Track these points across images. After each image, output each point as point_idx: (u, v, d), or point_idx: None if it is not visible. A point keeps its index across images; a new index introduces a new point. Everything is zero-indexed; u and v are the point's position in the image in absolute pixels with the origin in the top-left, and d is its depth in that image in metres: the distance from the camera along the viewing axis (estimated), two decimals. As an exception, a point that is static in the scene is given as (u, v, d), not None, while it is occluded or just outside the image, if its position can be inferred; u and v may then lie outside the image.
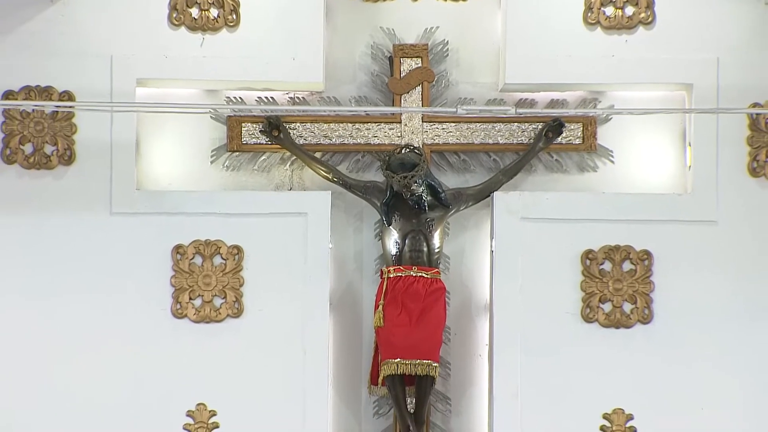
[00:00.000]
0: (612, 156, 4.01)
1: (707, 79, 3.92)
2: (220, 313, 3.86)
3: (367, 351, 3.96)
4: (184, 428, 3.82)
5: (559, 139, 3.97)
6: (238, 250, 3.88)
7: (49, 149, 3.87)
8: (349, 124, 3.99)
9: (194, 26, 3.90)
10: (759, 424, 3.83)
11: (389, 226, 3.82)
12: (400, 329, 3.75)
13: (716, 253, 3.89)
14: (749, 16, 3.92)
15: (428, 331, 3.78)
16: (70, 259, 3.86)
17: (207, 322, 3.86)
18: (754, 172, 3.90)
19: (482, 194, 3.94)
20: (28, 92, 3.88)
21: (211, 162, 4.02)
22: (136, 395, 3.83)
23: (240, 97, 4.01)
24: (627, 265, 3.89)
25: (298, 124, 3.97)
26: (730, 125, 3.90)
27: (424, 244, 3.81)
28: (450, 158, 4.03)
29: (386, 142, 3.98)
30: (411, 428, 3.77)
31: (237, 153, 4.00)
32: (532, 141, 3.98)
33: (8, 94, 3.86)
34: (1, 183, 3.87)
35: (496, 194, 3.90)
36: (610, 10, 3.92)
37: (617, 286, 3.87)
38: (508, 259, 3.90)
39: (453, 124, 3.98)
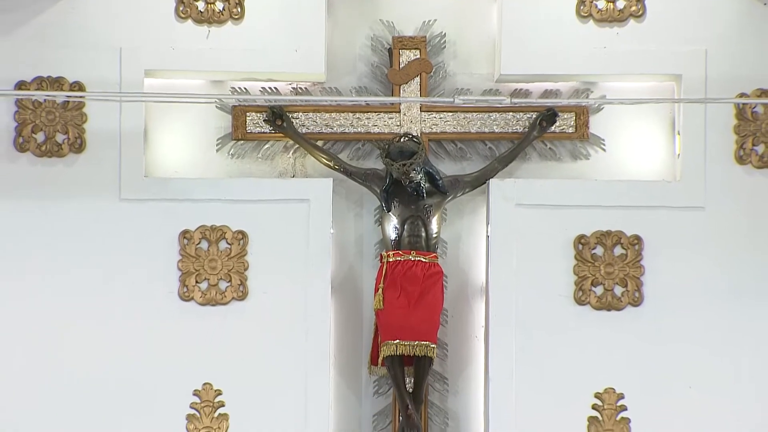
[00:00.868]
0: (604, 144, 4.06)
1: (696, 70, 3.96)
2: (225, 296, 3.91)
3: (367, 332, 4.01)
4: (191, 407, 3.87)
5: (553, 128, 4.00)
6: (243, 235, 3.93)
7: (60, 138, 3.91)
8: (350, 114, 4.04)
9: (200, 19, 3.95)
10: (745, 401, 3.89)
11: (389, 212, 3.87)
12: (399, 311, 3.79)
13: (704, 237, 3.94)
14: (736, 9, 3.96)
15: (426, 313, 3.82)
16: (81, 243, 3.91)
17: (213, 305, 3.91)
18: (740, 159, 3.95)
19: (478, 181, 3.98)
20: (40, 83, 3.92)
21: (217, 150, 4.05)
22: (144, 375, 3.88)
23: (244, 88, 4.05)
24: (618, 250, 3.94)
25: (301, 114, 4.01)
26: (717, 114, 3.95)
27: (423, 229, 3.85)
28: (447, 146, 4.07)
29: (386, 131, 4.03)
30: (410, 407, 3.79)
31: (242, 141, 4.03)
32: (526, 130, 4.01)
33: (21, 85, 3.91)
34: (15, 170, 3.91)
35: (492, 181, 3.95)
36: (602, 4, 3.97)
37: (609, 270, 3.92)
38: (504, 244, 3.95)
39: (450, 114, 4.03)
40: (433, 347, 3.81)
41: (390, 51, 4.06)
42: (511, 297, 3.94)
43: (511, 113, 4.04)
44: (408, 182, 3.78)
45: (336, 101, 4.01)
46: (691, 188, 3.96)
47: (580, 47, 4.00)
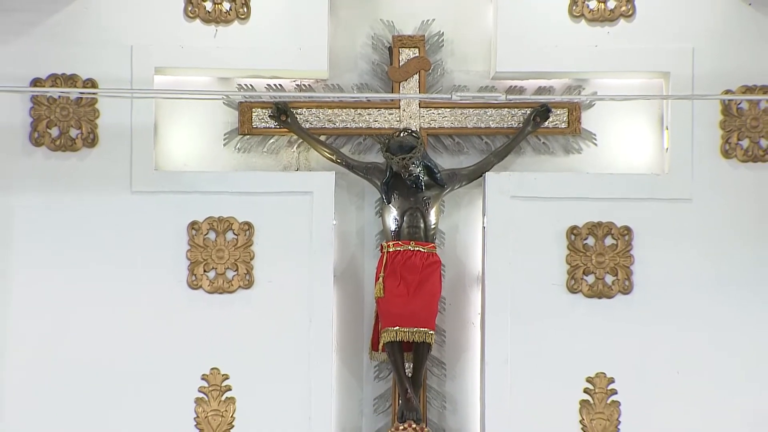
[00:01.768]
0: (595, 139, 4.11)
1: (683, 68, 4.02)
2: (232, 285, 3.98)
3: (369, 319, 4.06)
4: (199, 390, 3.94)
5: (546, 123, 4.06)
6: (249, 226, 3.99)
7: (73, 133, 3.97)
8: (352, 110, 4.09)
9: (208, 18, 4.02)
10: (729, 384, 3.96)
11: (389, 204, 3.91)
12: (398, 299, 3.84)
13: (691, 228, 4.00)
14: (722, 10, 4.03)
15: (425, 301, 3.87)
16: (94, 234, 3.98)
17: (220, 293, 3.98)
18: (726, 153, 4.02)
19: (475, 174, 4.03)
20: (55, 80, 3.99)
21: (224, 144, 4.11)
22: (154, 360, 3.94)
23: (250, 85, 4.10)
24: (609, 240, 4.01)
25: (305, 110, 4.07)
26: (704, 110, 4.01)
27: (421, 220, 3.90)
28: (445, 141, 4.12)
29: (386, 126, 4.08)
30: (409, 391, 3.85)
31: (248, 136, 4.09)
32: (521, 125, 4.06)
33: (36, 82, 3.98)
34: (30, 164, 3.98)
35: (488, 174, 4.01)
36: (593, 4, 4.04)
37: (600, 260, 3.99)
38: (499, 234, 4.01)
39: (448, 110, 4.09)
40: (432, 334, 3.86)
41: (390, 49, 4.13)
42: (506, 285, 4.00)
43: (506, 109, 4.09)
44: (407, 175, 3.83)
45: (338, 97, 4.08)
46: (678, 181, 4.02)
47: (573, 46, 4.07)
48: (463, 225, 4.19)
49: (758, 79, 4.04)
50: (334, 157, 4.04)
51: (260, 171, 4.11)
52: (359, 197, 4.17)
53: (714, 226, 4.01)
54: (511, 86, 4.13)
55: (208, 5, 4.02)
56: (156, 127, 4.07)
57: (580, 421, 3.96)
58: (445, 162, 4.09)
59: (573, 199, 4.04)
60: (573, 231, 4.02)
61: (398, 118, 4.11)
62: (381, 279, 3.90)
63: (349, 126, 4.12)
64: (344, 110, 4.11)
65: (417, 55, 4.10)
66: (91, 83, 4.02)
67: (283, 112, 4.02)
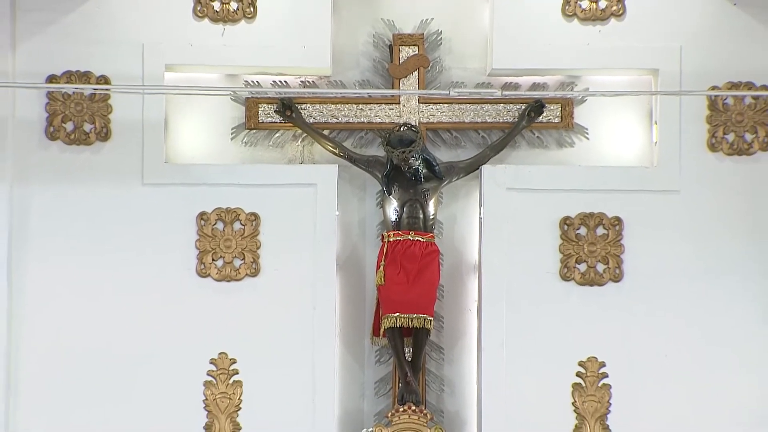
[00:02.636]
0: (587, 133, 4.18)
1: (671, 65, 4.09)
2: (239, 273, 4.05)
3: (370, 306, 4.13)
4: (208, 374, 4.02)
5: (540, 118, 4.12)
6: (256, 216, 4.07)
7: (87, 127, 4.05)
8: (354, 105, 4.16)
9: (216, 18, 4.09)
10: (714, 367, 4.04)
11: (389, 195, 3.97)
12: (398, 287, 3.92)
13: (679, 219, 4.07)
14: (708, 9, 4.11)
15: (424, 288, 3.94)
16: (107, 224, 4.05)
17: (228, 281, 4.05)
18: (712, 147, 4.09)
19: (472, 167, 4.09)
20: (69, 76, 4.07)
21: (231, 138, 4.18)
22: (165, 345, 4.02)
23: (257, 81, 4.17)
24: (600, 230, 4.08)
25: (309, 105, 4.14)
26: (691, 106, 4.07)
27: (420, 211, 3.97)
28: (443, 135, 4.20)
29: (386, 121, 4.15)
30: (408, 374, 3.93)
31: (254, 130, 4.16)
32: (516, 120, 4.13)
33: (51, 78, 4.05)
34: (46, 157, 4.06)
35: (484, 167, 4.07)
36: (585, 3, 4.11)
37: (591, 249, 4.06)
38: (495, 225, 4.07)
39: (446, 105, 4.15)
40: (430, 320, 3.95)
41: (390, 47, 4.19)
42: (501, 273, 4.07)
43: (502, 104, 4.15)
44: (407, 168, 3.90)
45: (341, 93, 4.14)
46: (667, 173, 4.09)
47: (566, 44, 4.14)
48: (461, 216, 4.25)
49: (743, 75, 4.11)
50: (336, 151, 4.10)
51: (266, 164, 4.17)
52: (361, 189, 4.23)
53: (701, 217, 4.08)
54: (506, 83, 4.20)
55: (216, 5, 4.10)
56: (166, 121, 4.14)
57: (573, 404, 4.04)
58: (443, 155, 4.16)
59: (566, 190, 4.10)
60: (566, 221, 4.09)
61: (398, 114, 4.18)
62: (382, 267, 3.96)
63: (351, 121, 4.19)
64: (346, 106, 4.17)
65: (416, 53, 4.17)
66: (104, 80, 4.09)
67: (288, 108, 4.08)
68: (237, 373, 4.05)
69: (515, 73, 4.20)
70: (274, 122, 4.17)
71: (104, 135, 4.09)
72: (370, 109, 4.20)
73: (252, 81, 4.21)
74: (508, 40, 4.12)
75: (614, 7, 4.14)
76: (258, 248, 4.09)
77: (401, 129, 3.98)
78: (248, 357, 4.05)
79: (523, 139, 4.22)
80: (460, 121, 4.19)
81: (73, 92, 4.05)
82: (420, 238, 3.98)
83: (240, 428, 4.04)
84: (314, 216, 4.10)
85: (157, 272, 4.07)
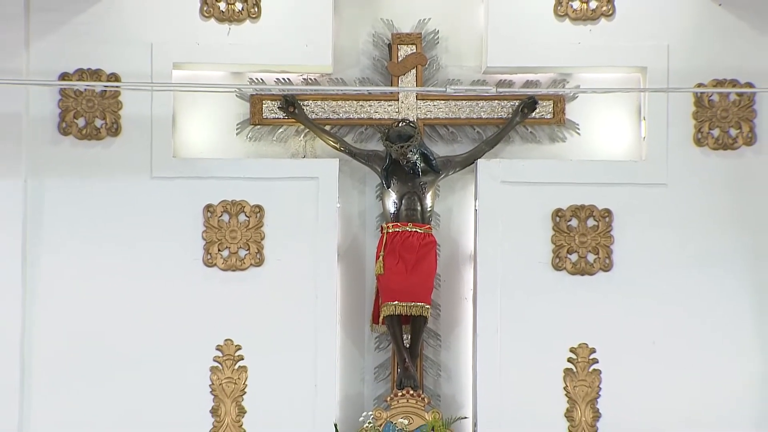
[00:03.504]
0: (578, 129, 4.28)
1: (659, 63, 4.19)
2: (244, 263, 4.14)
3: (370, 295, 4.21)
4: (214, 360, 4.11)
5: (533, 114, 4.22)
6: (260, 209, 4.16)
7: (98, 123, 4.15)
8: (354, 102, 4.25)
9: (222, 18, 4.19)
10: (700, 352, 4.13)
11: (388, 188, 4.05)
12: (397, 276, 4.00)
13: (666, 211, 4.16)
14: (694, 10, 4.21)
15: (421, 277, 4.03)
16: (117, 217, 4.15)
17: (233, 270, 4.15)
18: (698, 142, 4.20)
19: (468, 161, 4.19)
20: (81, 74, 4.17)
21: (237, 134, 4.27)
22: (173, 332, 4.11)
23: (261, 79, 4.27)
24: (591, 222, 4.17)
25: (311, 102, 4.23)
26: (678, 102, 4.18)
27: (418, 203, 4.05)
28: (440, 130, 4.29)
29: (385, 117, 4.24)
30: (407, 360, 4.01)
31: (258, 126, 4.25)
32: (510, 116, 4.22)
33: (64, 76, 4.16)
34: (58, 152, 4.16)
35: (480, 161, 4.18)
36: (576, 4, 4.22)
37: (582, 240, 4.16)
38: (490, 216, 4.17)
39: (443, 102, 4.24)
40: (428, 308, 4.03)
41: (389, 46, 4.28)
42: (496, 263, 4.16)
43: (496, 101, 4.24)
44: (405, 162, 3.98)
45: (342, 90, 4.23)
46: (655, 167, 4.19)
47: (558, 43, 4.24)
48: (457, 208, 4.34)
49: (728, 73, 4.21)
50: (338, 146, 4.18)
51: (270, 158, 4.27)
52: (361, 182, 4.32)
53: (687, 209, 4.17)
54: (500, 80, 4.29)
55: (222, 5, 4.20)
56: (174, 117, 4.24)
57: (564, 388, 4.13)
58: (440, 150, 4.25)
59: (558, 184, 4.20)
60: (558, 213, 4.19)
61: (397, 110, 4.26)
62: (381, 257, 4.04)
63: (351, 117, 4.27)
64: (347, 102, 4.26)
65: (414, 51, 4.25)
66: (114, 77, 4.19)
67: (291, 104, 4.16)
68: (242, 359, 4.14)
69: (509, 71, 4.29)
70: (278, 118, 4.25)
71: (114, 130, 4.19)
72: (369, 106, 4.28)
73: (256, 78, 4.30)
74: (503, 39, 4.21)
75: (604, 8, 4.23)
76: (262, 239, 4.18)
77: (400, 125, 4.07)
78: (253, 343, 4.14)
79: (516, 135, 4.31)
80: (456, 117, 4.27)
81: (85, 89, 4.16)
82: (418, 230, 4.05)
83: (245, 412, 4.13)
84: (316, 208, 4.18)
85: (165, 262, 4.16)
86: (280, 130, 4.30)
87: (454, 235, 4.33)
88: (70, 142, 4.18)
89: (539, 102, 4.24)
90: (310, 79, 4.32)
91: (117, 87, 4.16)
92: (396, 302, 3.99)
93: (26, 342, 4.09)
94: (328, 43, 4.22)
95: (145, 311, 4.15)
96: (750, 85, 4.18)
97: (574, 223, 4.19)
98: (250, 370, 4.14)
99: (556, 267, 4.19)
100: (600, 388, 4.12)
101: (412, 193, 4.07)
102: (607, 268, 4.18)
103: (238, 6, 4.22)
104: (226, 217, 4.19)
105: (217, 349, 4.15)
